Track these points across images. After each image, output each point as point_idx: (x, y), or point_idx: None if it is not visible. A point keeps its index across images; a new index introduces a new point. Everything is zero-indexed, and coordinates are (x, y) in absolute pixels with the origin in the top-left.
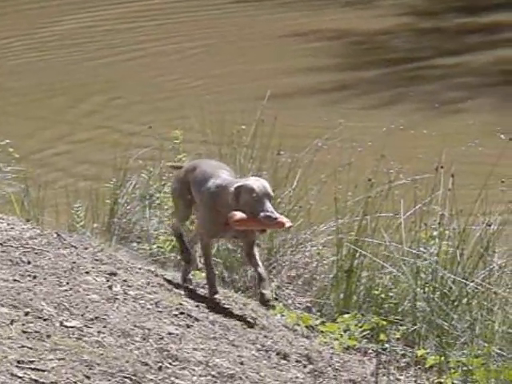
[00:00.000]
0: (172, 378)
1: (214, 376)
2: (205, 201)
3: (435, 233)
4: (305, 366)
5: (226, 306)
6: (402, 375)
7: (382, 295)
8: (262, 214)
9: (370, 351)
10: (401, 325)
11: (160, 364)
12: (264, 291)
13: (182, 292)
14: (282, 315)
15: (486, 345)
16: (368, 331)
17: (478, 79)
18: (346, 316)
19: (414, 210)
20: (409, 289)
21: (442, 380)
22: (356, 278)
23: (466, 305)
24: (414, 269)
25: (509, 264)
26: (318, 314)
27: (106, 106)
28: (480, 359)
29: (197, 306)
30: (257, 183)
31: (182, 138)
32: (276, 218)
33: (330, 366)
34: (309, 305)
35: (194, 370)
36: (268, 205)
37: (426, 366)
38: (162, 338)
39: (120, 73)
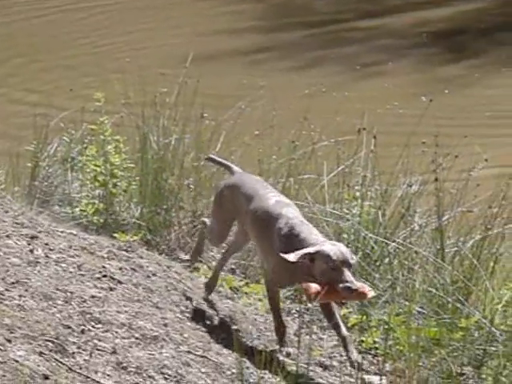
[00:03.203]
0: (95, 341)
1: (137, 338)
2: (277, 245)
3: (357, 194)
4: (229, 327)
5: (150, 269)
6: (324, 334)
7: None
8: (340, 285)
9: (294, 311)
10: None
11: (83, 327)
12: (352, 356)
13: (105, 255)
14: (206, 277)
15: (406, 303)
16: (291, 292)
17: (398, 41)
18: None
19: (337, 171)
20: None
21: (364, 338)
22: None
23: (388, 264)
24: (336, 229)
25: (429, 223)
26: (242, 275)
27: (24, 68)
28: (401, 317)
29: (120, 269)
30: (333, 249)
31: (103, 100)
32: (357, 290)
33: (253, 326)
34: (233, 266)
35: (117, 332)
36: (347, 274)
37: (349, 325)
38: (84, 301)
39: (38, 35)
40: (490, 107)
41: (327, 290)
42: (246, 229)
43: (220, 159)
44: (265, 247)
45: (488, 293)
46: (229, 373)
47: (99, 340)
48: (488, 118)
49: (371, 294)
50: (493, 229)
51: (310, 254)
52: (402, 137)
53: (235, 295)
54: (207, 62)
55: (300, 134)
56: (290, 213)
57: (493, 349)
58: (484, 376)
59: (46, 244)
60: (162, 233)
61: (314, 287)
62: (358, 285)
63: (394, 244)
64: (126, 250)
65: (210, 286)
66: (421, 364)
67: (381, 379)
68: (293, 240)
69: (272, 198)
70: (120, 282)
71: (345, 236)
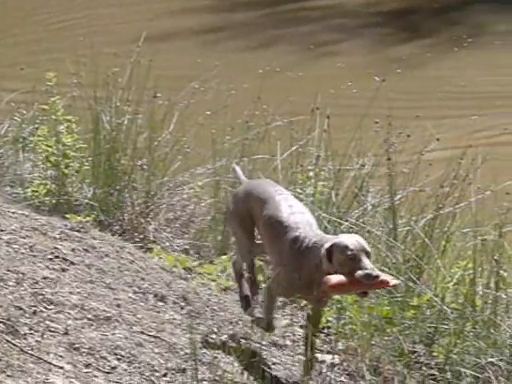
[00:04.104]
0: (47, 322)
1: (89, 319)
2: (287, 259)
3: (311, 174)
4: (182, 308)
5: (103, 250)
6: (278, 314)
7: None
8: (359, 272)
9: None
10: None
11: (35, 308)
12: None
13: (57, 236)
14: (160, 258)
15: None
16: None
17: (352, 21)
18: (224, 257)
19: (290, 151)
20: None
21: None
22: None
23: None
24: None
25: (382, 203)
26: (196, 255)
27: None
28: (353, 296)
29: (72, 250)
30: (350, 239)
31: (55, 80)
32: (377, 276)
33: (207, 306)
34: (186, 247)
35: (69, 313)
36: (366, 261)
37: (302, 304)
38: (36, 283)
39: None
40: (442, 88)
41: (347, 281)
42: (259, 231)
43: (238, 172)
44: (274, 254)
45: (439, 271)
46: (182, 353)
47: (51, 321)
48: (440, 98)
49: (394, 281)
50: (444, 208)
51: (327, 248)
52: (355, 117)
53: (189, 275)
54: (161, 41)
55: (254, 114)
56: (303, 223)
57: (444, 327)
58: (435, 353)
59: None
60: (115, 213)
61: (334, 279)
62: (378, 272)
63: (347, 223)
64: (79, 231)
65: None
66: (373, 342)
67: (333, 358)
68: (304, 252)
69: (286, 205)
70: (72, 263)
71: None
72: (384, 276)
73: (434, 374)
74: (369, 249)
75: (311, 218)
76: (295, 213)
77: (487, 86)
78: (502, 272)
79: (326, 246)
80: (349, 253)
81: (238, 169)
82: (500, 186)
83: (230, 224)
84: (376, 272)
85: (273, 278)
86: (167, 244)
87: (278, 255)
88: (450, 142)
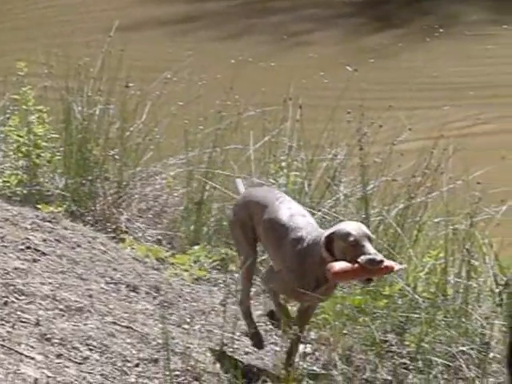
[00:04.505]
0: (18, 313)
1: (61, 309)
2: (290, 261)
3: (283, 164)
4: (154, 298)
5: (74, 240)
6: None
7: None
8: (362, 257)
9: (220, 281)
10: None
11: (6, 299)
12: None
13: (29, 226)
14: (132, 248)
15: None
16: (218, 262)
17: (324, 11)
18: (196, 247)
19: (263, 141)
20: None
21: (290, 307)
22: (206, 210)
23: None
24: None
25: (354, 193)
26: (169, 246)
27: None
28: None
29: (44, 241)
30: (351, 226)
31: (26, 70)
32: (381, 261)
33: (180, 296)
34: (159, 237)
35: (40, 304)
36: (369, 247)
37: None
38: (7, 273)
39: None
40: (414, 78)
41: (352, 269)
42: (260, 238)
43: (239, 185)
44: (277, 258)
45: (411, 261)
46: (154, 343)
47: (22, 312)
48: (412, 89)
49: (398, 266)
50: (416, 198)
51: (327, 236)
52: (327, 107)
53: (161, 266)
54: (133, 31)
55: (226, 104)
56: (304, 224)
57: (415, 316)
58: (407, 342)
59: None
60: (87, 204)
61: (337, 266)
62: (382, 257)
63: (319, 213)
64: (50, 222)
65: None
66: (345, 332)
67: (305, 347)
68: (306, 250)
69: (285, 208)
70: (44, 254)
71: None
72: (388, 261)
73: (405, 363)
74: (371, 234)
75: (312, 219)
76: (295, 215)
77: (459, 77)
78: (473, 261)
79: (326, 233)
80: (350, 239)
81: (239, 182)
82: (471, 176)
83: (232, 234)
84: (380, 257)
85: (275, 279)
86: (140, 234)
87: (281, 258)
88: (422, 133)
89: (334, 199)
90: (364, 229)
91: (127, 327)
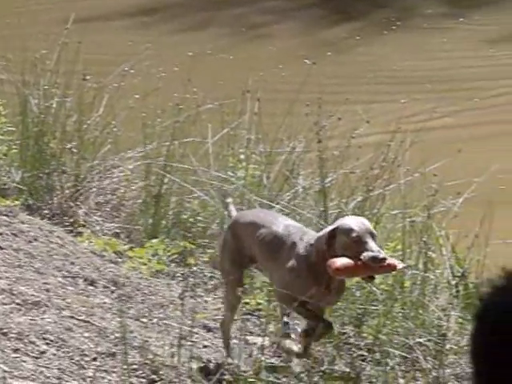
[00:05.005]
0: None
1: (18, 304)
2: (291, 266)
3: (242, 156)
4: (112, 292)
5: (32, 234)
6: (209, 297)
7: (191, 219)
8: (365, 254)
9: (178, 275)
10: (209, 248)
11: None
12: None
13: None
14: (90, 242)
15: None
16: (176, 255)
17: (283, 3)
18: (155, 241)
19: (222, 134)
20: (216, 212)
21: (248, 300)
22: (165, 204)
23: None
24: (221, 192)
25: (313, 185)
26: (127, 239)
27: None
28: None
29: (0, 234)
30: (354, 221)
31: None
32: (384, 259)
33: (138, 290)
34: (117, 231)
35: None
36: (372, 244)
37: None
38: None
39: None
40: (371, 72)
41: (354, 265)
42: (255, 256)
43: (230, 208)
44: (276, 270)
45: None
46: (112, 337)
47: None
48: (369, 83)
49: (401, 265)
50: (374, 190)
51: (330, 231)
52: (285, 100)
53: (119, 259)
54: (90, 23)
55: (184, 97)
56: (298, 228)
57: (373, 308)
58: (364, 334)
59: None
60: (44, 197)
61: (339, 261)
62: (385, 254)
63: (278, 206)
64: (7, 215)
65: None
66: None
67: (264, 340)
68: (306, 250)
69: (278, 221)
70: (0, 248)
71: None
72: (391, 259)
73: (363, 355)
74: (374, 230)
75: (307, 229)
76: (289, 225)
77: (416, 70)
78: (430, 253)
79: (329, 228)
80: (353, 235)
81: (231, 205)
82: (428, 169)
83: (220, 258)
84: (383, 254)
85: (281, 285)
86: (97, 228)
87: (281, 269)
88: (380, 126)
89: (293, 192)
90: (367, 225)
91: (85, 321)
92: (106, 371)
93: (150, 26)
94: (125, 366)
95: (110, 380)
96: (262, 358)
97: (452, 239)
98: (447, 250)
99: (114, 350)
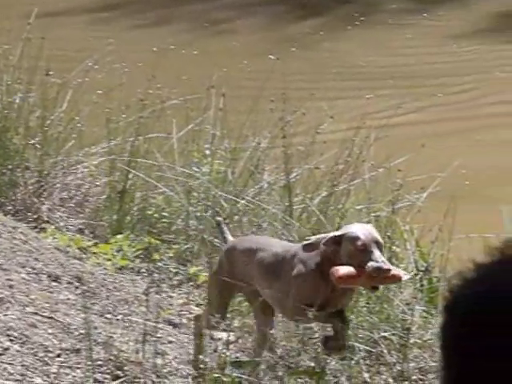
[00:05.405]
0: None
1: None
2: (295, 278)
3: (207, 152)
4: (77, 288)
5: None
6: (174, 292)
7: (156, 215)
8: (369, 264)
9: (143, 270)
10: (174, 243)
11: None
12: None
13: None
14: (54, 238)
15: None
16: (141, 251)
17: None
18: (119, 237)
19: (186, 129)
20: (182, 208)
21: None
22: (129, 199)
23: (238, 222)
24: (186, 188)
25: (278, 181)
26: (91, 235)
27: None
28: None
29: None
30: (360, 229)
31: None
32: (389, 270)
33: (102, 286)
34: (81, 227)
35: None
36: (377, 253)
37: (199, 282)
38: None
39: None
40: (335, 68)
41: (357, 273)
42: (254, 284)
43: (224, 228)
44: (278, 289)
45: None
46: (76, 333)
47: None
48: (334, 79)
49: (406, 276)
50: (339, 185)
51: (335, 236)
52: (250, 95)
53: (84, 255)
54: (54, 18)
55: (148, 92)
56: (296, 245)
57: None
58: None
59: None
60: (7, 193)
61: (342, 270)
62: (390, 265)
63: (243, 202)
64: None
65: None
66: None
67: (229, 335)
68: (309, 257)
69: (275, 241)
70: None
71: (195, 194)
72: (395, 270)
73: None
74: (380, 239)
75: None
76: (286, 244)
77: (380, 67)
78: (394, 248)
79: (335, 233)
80: (359, 243)
81: (223, 225)
82: (393, 164)
83: (210, 283)
84: (387, 265)
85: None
86: (61, 224)
87: (286, 283)
88: (345, 122)
89: (258, 187)
90: (374, 233)
91: (49, 317)
92: (70, 367)
93: (112, 21)
94: (89, 362)
95: (74, 376)
96: (227, 353)
97: (416, 234)
98: (411, 245)
99: (78, 346)
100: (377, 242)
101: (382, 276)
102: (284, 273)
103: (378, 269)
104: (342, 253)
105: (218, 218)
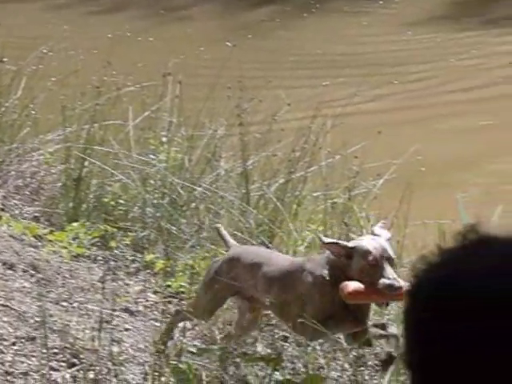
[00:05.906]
0: None
1: None
2: (307, 290)
3: (164, 139)
4: (32, 276)
5: None
6: (131, 280)
7: (112, 203)
8: (381, 281)
9: (100, 258)
10: (130, 231)
11: None
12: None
13: None
14: (9, 225)
15: (212, 247)
16: (97, 238)
17: None
18: (75, 224)
19: (143, 116)
20: (138, 195)
21: (170, 282)
22: (85, 187)
23: (194, 209)
24: (143, 176)
25: (235, 168)
26: (47, 223)
27: None
28: (206, 262)
29: None
30: (373, 243)
31: None
32: (400, 288)
33: (58, 274)
34: (37, 214)
35: None
36: (389, 270)
37: (155, 270)
38: None
39: None
40: (291, 56)
41: (367, 289)
42: (257, 296)
43: (223, 233)
44: (286, 304)
45: (291, 235)
46: (32, 321)
47: None
48: (290, 67)
49: None
50: (296, 172)
51: (347, 247)
52: (207, 82)
53: (39, 243)
54: (7, 4)
55: (104, 79)
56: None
57: None
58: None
59: None
60: None
61: (352, 286)
62: (402, 282)
63: (200, 189)
64: None
65: None
66: (226, 306)
67: (185, 323)
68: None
69: (281, 256)
70: None
71: (151, 182)
72: (406, 287)
73: (285, 336)
74: (393, 254)
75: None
76: (292, 260)
77: (336, 54)
78: (351, 234)
79: (348, 245)
80: (370, 258)
81: (223, 231)
82: (349, 151)
83: (204, 285)
84: (399, 283)
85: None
86: (17, 212)
87: (299, 297)
88: (301, 110)
89: (215, 175)
90: (387, 248)
91: (4, 306)
92: (25, 356)
93: (67, 8)
94: (44, 350)
95: (29, 364)
96: (184, 341)
97: (372, 220)
98: (368, 231)
99: (33, 335)
100: (389, 258)
101: (392, 293)
102: (291, 286)
103: (390, 286)
104: (354, 266)
105: (217, 225)
